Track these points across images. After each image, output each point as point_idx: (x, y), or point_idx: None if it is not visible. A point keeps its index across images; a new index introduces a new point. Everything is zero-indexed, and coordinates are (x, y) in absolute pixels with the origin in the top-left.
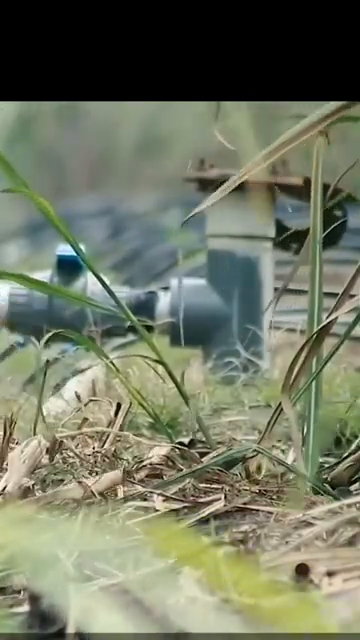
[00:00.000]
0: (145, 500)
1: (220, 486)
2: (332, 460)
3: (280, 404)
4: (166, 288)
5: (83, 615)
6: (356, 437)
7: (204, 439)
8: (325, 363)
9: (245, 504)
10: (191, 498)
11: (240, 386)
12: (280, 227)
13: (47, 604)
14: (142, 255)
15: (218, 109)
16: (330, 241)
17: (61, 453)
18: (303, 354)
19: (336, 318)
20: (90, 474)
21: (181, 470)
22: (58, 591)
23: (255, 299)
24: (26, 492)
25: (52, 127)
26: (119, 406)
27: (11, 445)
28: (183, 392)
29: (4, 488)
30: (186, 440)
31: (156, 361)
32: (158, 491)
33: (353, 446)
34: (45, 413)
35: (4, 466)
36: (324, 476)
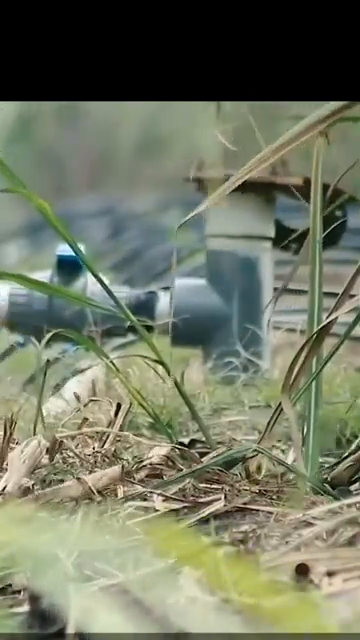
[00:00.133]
0: (145, 500)
1: (220, 486)
2: (332, 460)
3: (280, 404)
4: (166, 288)
5: (83, 615)
6: (356, 437)
7: (204, 439)
8: (325, 363)
9: (245, 504)
10: (191, 498)
11: (240, 386)
12: (280, 227)
13: (47, 604)
14: (142, 255)
15: (218, 109)
16: (330, 241)
17: (61, 453)
18: (303, 354)
19: (336, 318)
20: (90, 474)
21: (181, 470)
22: (58, 591)
23: (255, 299)
24: (26, 492)
25: (52, 127)
26: (119, 406)
27: (11, 445)
28: (183, 392)
29: (4, 488)
30: (186, 440)
31: (156, 361)
32: (158, 491)
33: (353, 446)
34: (45, 413)
35: (4, 466)
36: (324, 476)
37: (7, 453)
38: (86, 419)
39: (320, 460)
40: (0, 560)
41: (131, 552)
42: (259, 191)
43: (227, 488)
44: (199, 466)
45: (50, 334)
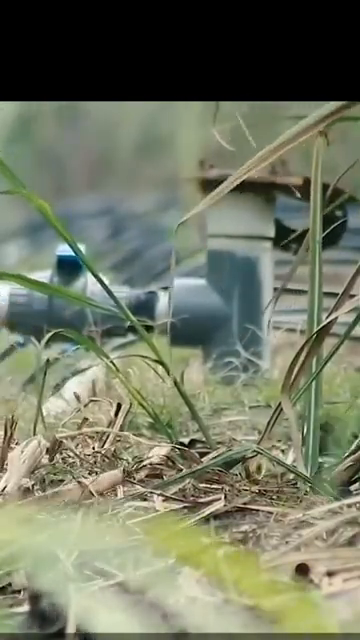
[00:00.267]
0: (145, 500)
1: (220, 486)
2: (332, 460)
3: (280, 404)
4: (166, 288)
5: (83, 615)
6: (356, 437)
7: (204, 439)
8: (325, 363)
9: (245, 504)
10: (191, 498)
11: (240, 386)
12: (280, 227)
13: (47, 604)
14: (142, 255)
15: (217, 109)
16: (330, 241)
17: (61, 453)
18: (303, 354)
19: (336, 318)
20: (90, 474)
21: (181, 470)
22: (58, 591)
23: (255, 299)
24: (26, 492)
25: (52, 127)
26: (119, 406)
27: (11, 445)
28: (183, 392)
29: (4, 488)
30: (186, 440)
31: (156, 361)
32: (158, 491)
33: (353, 446)
34: (45, 413)
35: (4, 466)
36: (324, 476)
37: (7, 453)
38: (86, 419)
39: (320, 460)
40: (0, 560)
41: (131, 552)
42: (259, 191)
43: (227, 488)
44: (199, 466)
45: (50, 334)
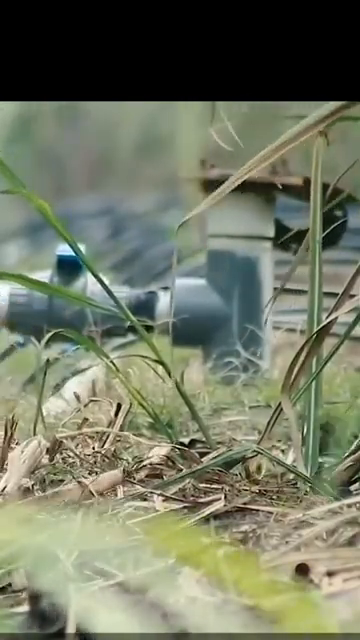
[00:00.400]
0: (145, 500)
1: (220, 486)
2: (332, 460)
3: (280, 404)
4: (166, 288)
5: (83, 615)
6: (356, 437)
7: (204, 439)
8: (325, 363)
9: (245, 504)
10: (191, 498)
11: (240, 386)
12: (280, 227)
13: (47, 604)
14: (142, 255)
15: (214, 110)
16: (330, 241)
17: (61, 453)
18: (303, 354)
19: (336, 318)
20: (90, 474)
21: (181, 470)
22: (58, 591)
23: (255, 299)
24: (26, 492)
25: (52, 127)
26: (119, 406)
27: (11, 445)
28: (183, 392)
29: (4, 488)
30: (186, 440)
31: (156, 361)
32: (158, 491)
33: (353, 446)
34: (45, 413)
35: (4, 466)
36: (324, 476)
37: (8, 453)
38: (86, 419)
39: (320, 460)
40: (0, 560)
41: (131, 552)
42: (259, 191)
43: (227, 488)
44: (199, 466)
45: (50, 334)
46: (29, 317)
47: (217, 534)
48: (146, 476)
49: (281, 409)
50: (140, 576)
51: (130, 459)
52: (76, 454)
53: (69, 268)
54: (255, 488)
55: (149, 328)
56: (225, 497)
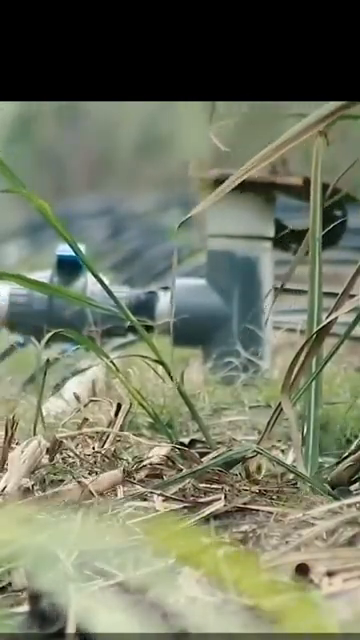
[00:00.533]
0: (145, 500)
1: (220, 486)
2: (332, 460)
3: (280, 404)
4: (166, 288)
5: (83, 615)
6: (356, 437)
7: (204, 439)
8: (325, 363)
9: (245, 504)
10: (191, 498)
11: (240, 386)
12: (280, 227)
13: (47, 604)
14: (142, 255)
15: (213, 110)
16: (330, 241)
17: (61, 453)
18: (303, 354)
19: (336, 318)
20: (90, 474)
21: (181, 470)
22: (58, 591)
23: (255, 299)
24: (26, 492)
25: (52, 127)
26: (119, 406)
27: (12, 445)
28: (183, 392)
29: (4, 488)
30: (186, 440)
31: (156, 361)
32: (158, 491)
33: (353, 446)
34: (45, 413)
35: (5, 466)
36: (324, 476)
37: (8, 453)
38: (86, 419)
39: (320, 460)
40: (0, 559)
41: (131, 552)
42: (259, 191)
43: (227, 488)
44: (199, 466)
45: (50, 334)
46: (29, 317)
47: (217, 534)
48: (146, 476)
49: (281, 409)
50: (140, 576)
51: (130, 459)
52: (76, 454)
53: (69, 268)
54: (255, 488)
55: (149, 328)
56: (225, 497)
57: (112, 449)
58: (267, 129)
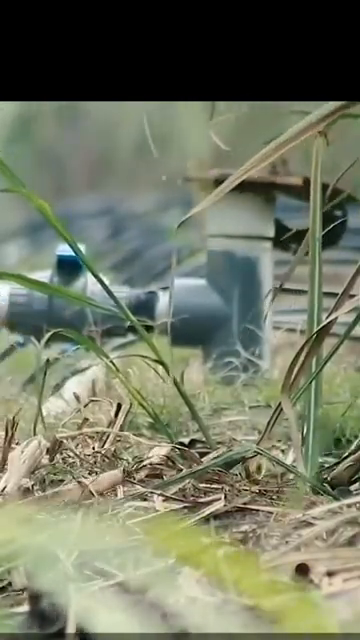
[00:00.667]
0: (145, 500)
1: (220, 486)
2: (332, 460)
3: (280, 404)
4: (166, 288)
5: (83, 615)
6: (356, 437)
7: (204, 439)
8: (325, 363)
9: (245, 504)
10: (191, 498)
11: (240, 386)
12: (280, 227)
13: (47, 604)
14: (142, 255)
15: (213, 109)
16: (330, 241)
17: (61, 453)
18: (303, 354)
19: (336, 318)
20: (90, 474)
21: (181, 470)
22: (58, 591)
23: (255, 299)
24: (26, 492)
25: (52, 127)
26: (119, 406)
27: (12, 445)
28: (183, 392)
29: (4, 488)
30: (186, 440)
31: (156, 361)
32: (158, 491)
33: (353, 446)
34: (45, 413)
35: (5, 466)
36: (324, 476)
37: (8, 454)
38: (86, 419)
39: (320, 460)
40: (0, 559)
41: (131, 552)
42: (259, 191)
43: (227, 488)
44: (199, 466)
45: (49, 334)
46: (29, 317)
47: (217, 534)
48: (146, 476)
49: (281, 409)
50: (140, 576)
51: (130, 459)
52: (76, 454)
53: (69, 268)
54: (255, 488)
55: (149, 328)
56: (225, 497)
57: (112, 449)
58: (267, 128)
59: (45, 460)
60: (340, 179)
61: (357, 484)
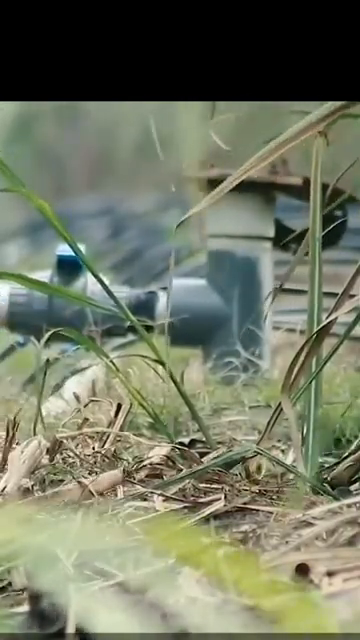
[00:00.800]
0: (145, 500)
1: (220, 486)
2: (332, 460)
3: (280, 404)
4: (166, 288)
5: (83, 615)
6: (356, 437)
7: (204, 439)
8: (325, 363)
9: (245, 504)
10: (191, 498)
11: (240, 386)
12: (280, 227)
13: (47, 604)
14: (142, 255)
15: (213, 109)
16: (330, 241)
17: (61, 453)
18: (303, 354)
19: (336, 318)
20: (90, 474)
21: (181, 470)
22: (58, 591)
23: (255, 299)
24: (26, 492)
25: (52, 127)
26: (119, 406)
27: (13, 446)
28: (183, 392)
29: (4, 488)
30: (186, 440)
31: (156, 361)
32: (158, 491)
33: (353, 446)
34: (45, 413)
35: (5, 467)
36: (324, 476)
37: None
38: (86, 419)
39: (320, 460)
40: (0, 559)
41: (131, 552)
42: (259, 191)
43: (227, 488)
44: (199, 467)
45: (50, 333)
46: (29, 317)
47: (217, 534)
48: (146, 476)
49: (281, 409)
50: (140, 576)
51: (130, 459)
52: (76, 454)
53: (69, 268)
54: (255, 488)
55: (149, 328)
56: (225, 497)
57: (112, 449)
58: (267, 128)
59: (45, 460)
60: (340, 179)
61: (357, 484)
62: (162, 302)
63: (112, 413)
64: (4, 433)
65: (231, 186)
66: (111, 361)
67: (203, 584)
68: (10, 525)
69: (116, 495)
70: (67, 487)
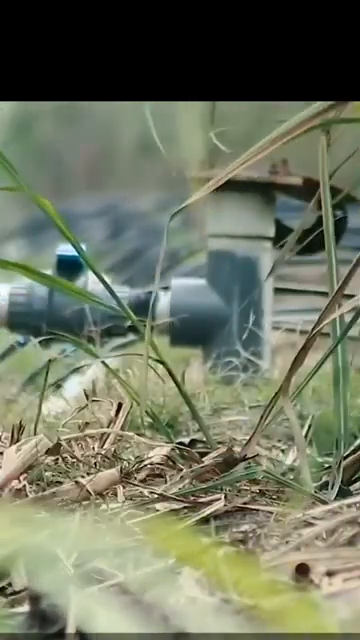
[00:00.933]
0: (145, 500)
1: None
2: (332, 460)
3: (272, 402)
4: (166, 288)
5: (83, 615)
6: (356, 437)
7: (204, 439)
8: (322, 362)
9: (245, 504)
10: (191, 498)
11: (240, 386)
12: (280, 227)
13: (47, 604)
14: (142, 255)
15: (213, 109)
16: None
17: (61, 454)
18: (303, 354)
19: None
20: (89, 474)
21: (181, 470)
22: (58, 591)
23: (255, 299)
24: (18, 491)
25: (52, 127)
26: (120, 406)
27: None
28: (183, 392)
29: None
30: (186, 440)
31: (156, 361)
32: (158, 491)
33: (353, 446)
34: (45, 413)
35: None
36: (324, 476)
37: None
38: (87, 423)
39: (320, 460)
40: (0, 559)
41: (131, 552)
42: (259, 191)
43: (227, 488)
44: (199, 466)
45: (46, 337)
46: (29, 317)
47: (217, 534)
48: (146, 476)
49: (273, 407)
50: (140, 576)
51: (131, 459)
52: (75, 456)
53: (69, 268)
54: (255, 488)
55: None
56: (225, 497)
57: (112, 449)
58: (267, 128)
59: (45, 460)
60: (340, 179)
61: (357, 484)
62: (162, 302)
63: (112, 413)
64: (4, 433)
65: (226, 178)
66: (104, 363)
67: (203, 584)
68: (10, 525)
69: (116, 495)
70: (65, 487)
